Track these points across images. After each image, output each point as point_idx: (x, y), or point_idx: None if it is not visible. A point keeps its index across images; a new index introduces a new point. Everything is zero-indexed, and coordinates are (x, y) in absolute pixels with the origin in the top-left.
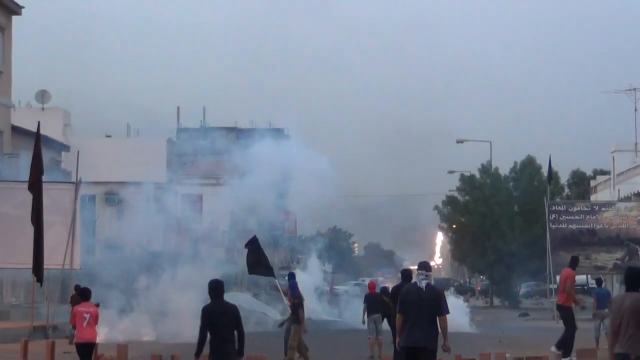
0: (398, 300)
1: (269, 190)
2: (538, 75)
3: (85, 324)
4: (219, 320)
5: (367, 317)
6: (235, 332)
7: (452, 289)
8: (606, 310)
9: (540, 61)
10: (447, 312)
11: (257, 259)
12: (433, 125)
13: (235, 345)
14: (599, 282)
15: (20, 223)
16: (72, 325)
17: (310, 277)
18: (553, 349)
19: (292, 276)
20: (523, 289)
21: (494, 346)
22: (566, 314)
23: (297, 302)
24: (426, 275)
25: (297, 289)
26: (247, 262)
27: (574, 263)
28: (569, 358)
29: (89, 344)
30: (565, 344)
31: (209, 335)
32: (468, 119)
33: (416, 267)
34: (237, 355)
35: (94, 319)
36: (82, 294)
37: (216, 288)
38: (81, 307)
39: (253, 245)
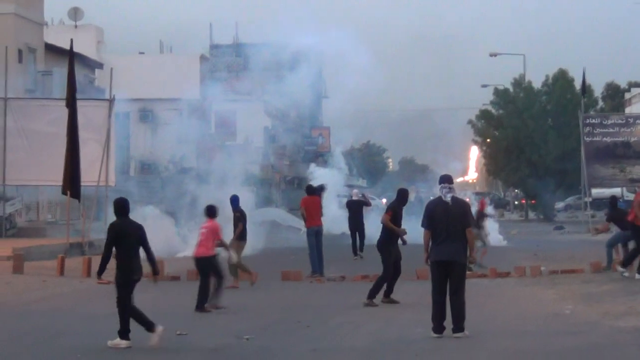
0: (423, 215)
1: (305, 96)
2: None
3: (200, 239)
4: (125, 237)
5: None
6: (144, 251)
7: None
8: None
9: None
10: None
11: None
12: (466, 37)
13: (139, 261)
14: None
15: (55, 140)
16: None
17: (332, 177)
18: (619, 268)
19: (235, 198)
20: (563, 204)
21: (529, 259)
22: (636, 233)
23: (237, 215)
24: (450, 188)
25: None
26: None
27: None
28: (624, 269)
29: (198, 259)
30: (630, 259)
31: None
32: (500, 32)
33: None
34: (153, 274)
35: (211, 234)
36: (207, 211)
37: (122, 206)
38: (203, 224)
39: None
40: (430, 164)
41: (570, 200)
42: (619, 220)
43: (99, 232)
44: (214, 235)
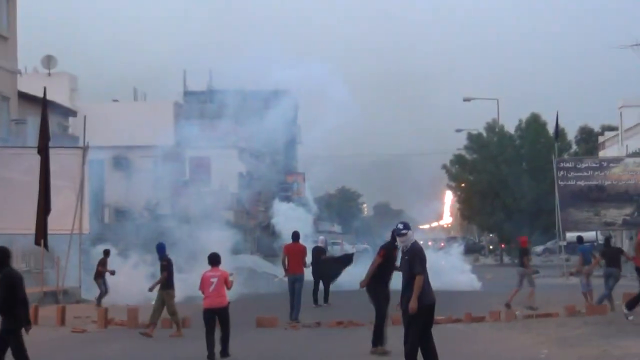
0: (419, 259)
1: (279, 142)
2: (543, 32)
3: (212, 289)
4: (16, 286)
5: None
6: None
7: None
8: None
9: (546, 17)
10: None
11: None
12: (440, 83)
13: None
14: (579, 239)
15: (28, 189)
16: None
17: (296, 213)
18: (625, 310)
19: (161, 246)
20: (542, 247)
21: (504, 304)
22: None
23: (164, 264)
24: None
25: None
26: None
27: None
28: (629, 311)
29: (213, 310)
30: (635, 303)
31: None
32: (473, 78)
33: (404, 228)
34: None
35: (222, 283)
36: (212, 260)
37: (5, 256)
38: (209, 272)
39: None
40: (405, 209)
41: (549, 244)
42: (612, 257)
43: (73, 280)
44: (224, 283)
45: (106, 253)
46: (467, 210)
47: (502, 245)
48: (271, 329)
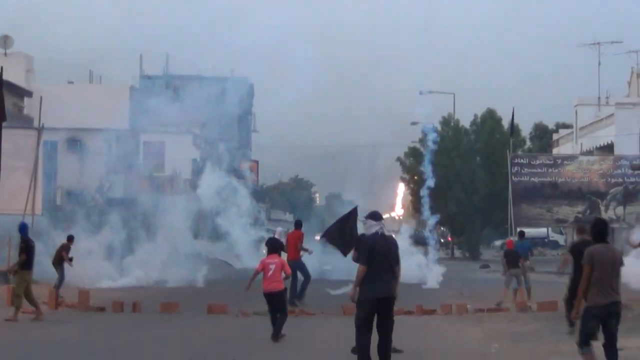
0: (361, 251)
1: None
2: (503, 28)
3: (270, 274)
4: None
5: None
6: None
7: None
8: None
9: (506, 13)
10: None
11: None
12: (396, 77)
13: None
14: (521, 234)
15: None
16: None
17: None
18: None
19: (23, 227)
20: (500, 242)
21: (455, 297)
22: None
23: (22, 246)
24: (383, 225)
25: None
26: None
27: None
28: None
29: (273, 293)
30: None
31: None
32: (430, 71)
33: (367, 217)
34: None
35: (279, 270)
36: (271, 247)
37: None
38: (268, 259)
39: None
40: (357, 200)
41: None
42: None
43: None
44: (282, 269)
45: (70, 239)
46: (420, 202)
47: (450, 239)
48: (222, 315)
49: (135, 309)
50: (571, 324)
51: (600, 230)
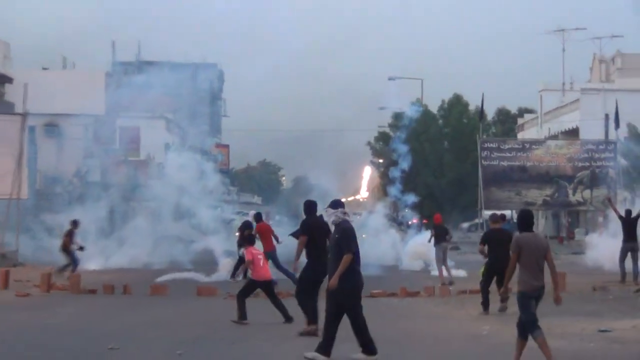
0: (346, 238)
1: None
2: (469, 15)
3: (261, 263)
4: None
5: None
6: None
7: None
8: None
9: (471, 1)
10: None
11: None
12: (363, 63)
13: None
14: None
15: None
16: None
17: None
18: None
19: None
20: (468, 224)
21: (435, 280)
22: None
23: None
24: (343, 212)
25: None
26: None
27: None
28: None
29: (268, 281)
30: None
31: None
32: (398, 58)
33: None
34: None
35: (265, 260)
36: (250, 240)
37: None
38: (254, 250)
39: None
40: (322, 183)
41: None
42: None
43: (11, 245)
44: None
45: (74, 224)
46: (388, 185)
47: (425, 221)
48: (211, 297)
49: (126, 291)
50: (503, 300)
51: (526, 221)
